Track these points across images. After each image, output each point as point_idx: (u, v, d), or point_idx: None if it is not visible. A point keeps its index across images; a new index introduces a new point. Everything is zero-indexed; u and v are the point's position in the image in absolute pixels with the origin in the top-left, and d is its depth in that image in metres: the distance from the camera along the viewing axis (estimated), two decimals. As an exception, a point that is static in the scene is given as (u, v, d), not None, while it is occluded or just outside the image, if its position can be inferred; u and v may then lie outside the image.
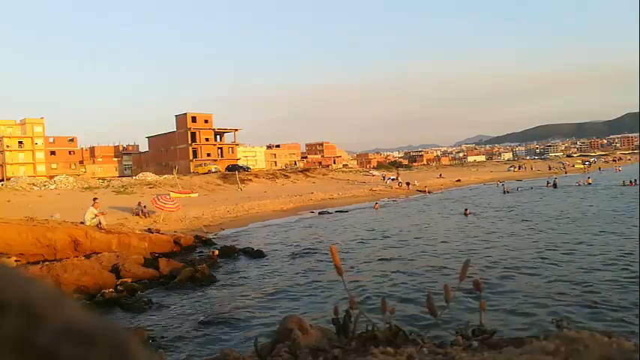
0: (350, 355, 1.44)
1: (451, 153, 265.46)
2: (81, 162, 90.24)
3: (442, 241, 17.71)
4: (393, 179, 54.48)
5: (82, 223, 17.90)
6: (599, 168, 76.18)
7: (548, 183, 45.72)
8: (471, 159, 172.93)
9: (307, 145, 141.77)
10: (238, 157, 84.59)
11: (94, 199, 20.70)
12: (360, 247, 17.29)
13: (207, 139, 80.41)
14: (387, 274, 12.71)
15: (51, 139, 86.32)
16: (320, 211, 31.37)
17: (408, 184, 49.25)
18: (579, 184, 43.92)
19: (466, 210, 26.75)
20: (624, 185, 39.30)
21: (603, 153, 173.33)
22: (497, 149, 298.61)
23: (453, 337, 1.55)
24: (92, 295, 11.16)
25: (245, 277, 13.21)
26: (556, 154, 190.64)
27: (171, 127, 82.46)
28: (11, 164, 78.27)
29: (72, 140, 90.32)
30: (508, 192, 41.08)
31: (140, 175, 52.56)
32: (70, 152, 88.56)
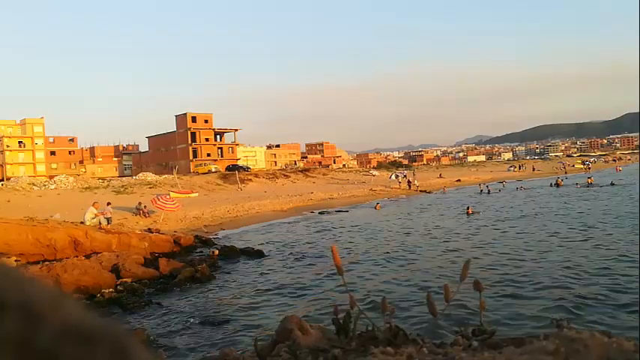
0: (350, 355, 1.44)
1: (451, 153, 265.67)
2: (81, 162, 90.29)
3: (444, 240, 17.71)
4: (401, 175, 54.33)
5: (82, 223, 17.92)
6: (588, 169, 75.00)
7: (551, 184, 45.79)
8: (471, 159, 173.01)
9: (307, 145, 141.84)
10: (238, 157, 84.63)
11: (108, 203, 21.97)
12: (360, 246, 17.28)
13: (207, 139, 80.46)
14: (387, 273, 12.71)
15: (51, 139, 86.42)
16: (320, 211, 31.36)
17: (409, 183, 49.12)
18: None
19: (468, 209, 26.72)
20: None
21: (603, 153, 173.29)
22: (497, 149, 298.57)
23: (453, 337, 1.55)
24: (92, 295, 11.17)
25: (245, 277, 13.21)
26: (556, 154, 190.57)
27: (172, 127, 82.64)
28: (11, 164, 78.33)
29: (72, 140, 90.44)
30: (488, 191, 41.79)
31: (140, 175, 52.56)
32: (70, 152, 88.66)
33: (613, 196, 32.28)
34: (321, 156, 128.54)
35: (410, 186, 48.42)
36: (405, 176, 53.71)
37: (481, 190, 42.33)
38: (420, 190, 47.01)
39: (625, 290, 9.71)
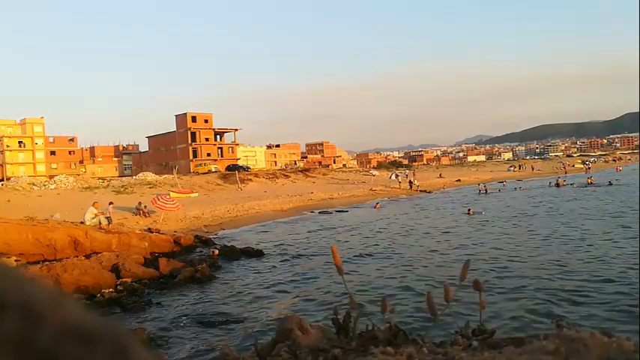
0: (350, 355, 1.44)
1: (451, 153, 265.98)
2: (81, 162, 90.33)
3: (444, 240, 17.70)
4: (402, 175, 54.25)
5: (82, 223, 17.92)
6: (588, 169, 73.28)
7: (550, 184, 45.81)
8: (471, 159, 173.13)
9: (307, 145, 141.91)
10: (238, 157, 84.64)
11: (110, 203, 22.68)
12: (360, 246, 17.27)
13: (207, 139, 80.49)
14: (387, 273, 12.71)
15: (51, 139, 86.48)
16: (320, 210, 31.35)
17: (410, 183, 49.10)
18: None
19: (469, 210, 26.69)
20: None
21: (603, 153, 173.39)
22: (497, 149, 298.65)
23: (453, 337, 1.55)
24: (92, 295, 11.16)
25: (245, 277, 13.20)
26: (556, 154, 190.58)
27: (172, 127, 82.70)
28: (11, 164, 78.36)
29: (72, 140, 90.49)
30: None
31: (140, 175, 52.55)
32: (70, 152, 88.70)
33: (610, 195, 32.38)
34: (321, 156, 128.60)
35: (411, 186, 48.43)
36: (406, 176, 53.71)
37: (479, 190, 42.55)
38: (420, 190, 47.00)
39: (612, 291, 9.74)
